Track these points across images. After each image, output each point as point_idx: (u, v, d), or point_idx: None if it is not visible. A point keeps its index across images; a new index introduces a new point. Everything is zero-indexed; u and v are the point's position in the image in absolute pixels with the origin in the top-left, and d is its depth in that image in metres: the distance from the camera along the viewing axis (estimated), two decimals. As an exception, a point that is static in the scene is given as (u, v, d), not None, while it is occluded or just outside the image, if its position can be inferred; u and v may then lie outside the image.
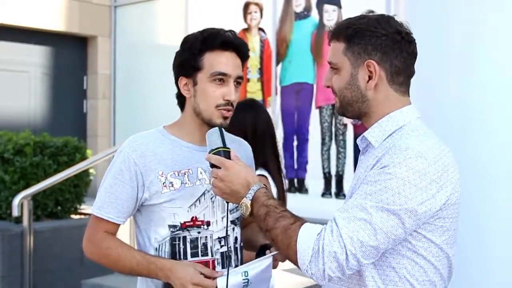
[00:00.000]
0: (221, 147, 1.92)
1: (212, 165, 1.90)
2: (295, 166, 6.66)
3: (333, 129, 6.37)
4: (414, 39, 1.78)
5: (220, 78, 2.09)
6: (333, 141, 6.37)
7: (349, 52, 1.75)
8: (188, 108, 2.18)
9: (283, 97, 6.76)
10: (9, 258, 5.06)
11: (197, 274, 2.01)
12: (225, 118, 2.11)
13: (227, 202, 1.98)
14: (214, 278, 2.02)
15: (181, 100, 2.21)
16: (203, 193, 2.15)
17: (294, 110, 6.69)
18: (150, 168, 2.10)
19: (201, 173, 2.16)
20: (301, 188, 6.62)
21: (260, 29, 7.01)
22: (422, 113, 1.83)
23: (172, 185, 2.11)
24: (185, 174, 2.14)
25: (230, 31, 2.15)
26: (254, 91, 7.00)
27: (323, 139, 6.45)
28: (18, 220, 5.13)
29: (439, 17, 2.76)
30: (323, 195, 6.37)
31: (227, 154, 1.91)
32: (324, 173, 6.39)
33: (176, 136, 2.18)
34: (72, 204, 5.86)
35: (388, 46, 1.72)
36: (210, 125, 2.11)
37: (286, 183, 3.21)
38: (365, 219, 1.59)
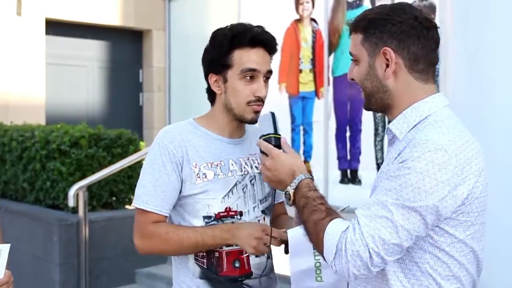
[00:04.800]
0: (272, 134, 1.93)
1: (262, 151, 1.92)
2: (348, 157, 6.60)
3: (386, 120, 6.28)
4: (435, 25, 1.73)
5: (250, 75, 2.11)
6: (385, 133, 6.28)
7: (366, 42, 1.73)
8: (218, 104, 2.21)
9: (336, 87, 6.70)
10: (66, 247, 5.22)
11: (259, 231, 2.06)
12: (256, 112, 2.14)
13: (274, 189, 2.03)
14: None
15: (211, 95, 2.24)
16: (235, 184, 2.18)
17: (346, 100, 6.62)
18: (187, 159, 2.14)
19: (232, 164, 2.19)
20: (354, 179, 6.56)
21: (312, 20, 6.96)
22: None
23: (206, 176, 2.14)
24: (217, 165, 2.17)
25: (258, 26, 2.15)
26: (306, 82, 6.97)
27: (376, 129, 6.36)
28: (75, 210, 5.28)
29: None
30: (376, 186, 6.26)
31: (277, 141, 1.92)
32: (377, 164, 6.31)
33: (206, 129, 2.21)
34: (126, 195, 5.99)
35: (404, 32, 1.69)
36: (241, 120, 2.16)
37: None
38: (386, 217, 1.56)
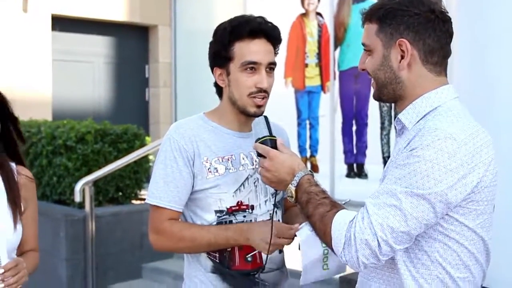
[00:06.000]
0: (268, 136, 1.94)
1: (259, 154, 1.93)
2: (354, 151, 6.60)
3: (392, 113, 6.26)
4: (450, 18, 1.73)
5: (251, 67, 2.10)
6: (392, 125, 6.27)
7: (382, 33, 1.72)
8: (225, 97, 2.21)
9: (342, 81, 6.69)
10: (72, 242, 5.23)
11: (276, 227, 2.04)
12: (259, 106, 2.12)
13: (276, 190, 2.01)
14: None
15: (219, 89, 2.23)
16: (247, 178, 2.18)
17: (352, 94, 6.60)
18: (198, 154, 2.13)
19: (243, 158, 2.19)
20: (360, 173, 6.56)
21: (318, 14, 6.94)
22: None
23: (217, 171, 2.14)
24: (228, 160, 2.16)
25: (259, 17, 2.14)
26: (312, 76, 6.96)
27: (382, 123, 6.35)
28: (81, 205, 5.29)
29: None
30: (382, 179, 6.25)
31: (273, 143, 1.93)
32: (384, 158, 6.30)
33: (216, 123, 2.21)
34: (132, 190, 6.00)
35: (421, 25, 1.68)
36: (245, 114, 2.15)
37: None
38: (395, 205, 1.56)
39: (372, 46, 1.76)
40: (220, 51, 2.12)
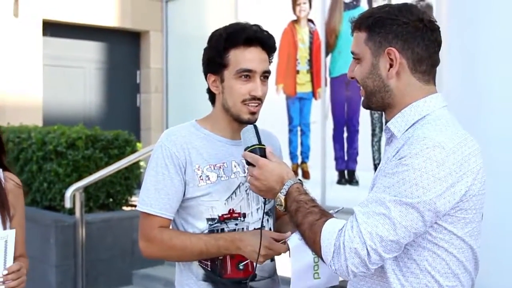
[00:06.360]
0: (257, 145, 1.94)
1: (248, 163, 1.92)
2: (345, 158, 6.60)
3: (383, 120, 6.28)
4: (438, 27, 1.74)
5: (246, 74, 2.09)
6: (383, 132, 6.28)
7: (371, 41, 1.73)
8: (218, 104, 2.20)
9: (333, 88, 6.69)
10: (63, 248, 5.21)
11: (267, 238, 2.03)
12: (252, 113, 2.12)
13: (265, 198, 2.00)
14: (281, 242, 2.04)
15: (212, 96, 2.23)
16: (238, 186, 2.17)
17: (344, 101, 6.61)
18: (190, 161, 2.13)
19: (235, 166, 2.18)
20: (351, 179, 6.56)
21: (309, 20, 6.96)
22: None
23: (209, 178, 2.13)
24: (220, 167, 2.16)
25: (255, 25, 2.14)
26: (303, 82, 6.96)
27: (373, 130, 6.36)
28: (71, 211, 5.27)
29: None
30: (373, 186, 6.25)
31: (262, 152, 1.92)
32: (375, 164, 6.30)
33: (209, 130, 2.20)
34: (123, 196, 5.99)
35: (410, 33, 1.69)
36: (238, 121, 2.14)
37: None
38: (384, 214, 1.56)
39: (361, 55, 1.76)
40: (215, 58, 2.12)
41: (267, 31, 2.16)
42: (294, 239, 1.98)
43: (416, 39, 1.69)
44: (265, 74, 2.14)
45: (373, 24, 1.72)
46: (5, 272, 2.04)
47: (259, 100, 2.12)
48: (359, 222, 1.58)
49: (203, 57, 2.20)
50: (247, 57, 2.09)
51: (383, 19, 1.71)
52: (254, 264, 2.10)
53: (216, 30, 2.16)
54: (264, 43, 2.13)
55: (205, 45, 2.19)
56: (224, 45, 2.10)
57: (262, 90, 2.11)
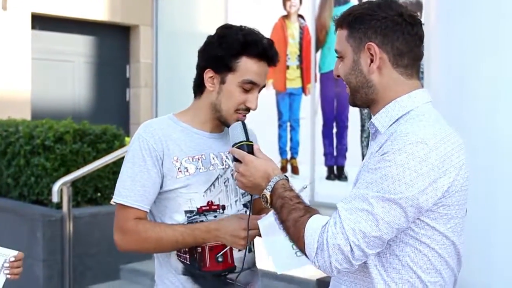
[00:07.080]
0: (244, 141, 1.95)
1: (235, 159, 1.93)
2: (335, 153, 6.61)
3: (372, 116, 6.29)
4: (419, 21, 1.75)
5: (250, 87, 2.11)
6: (368, 127, 6.28)
7: (351, 38, 1.74)
8: (205, 99, 2.19)
9: (323, 84, 6.69)
10: (50, 243, 5.19)
11: (243, 221, 2.05)
12: (238, 120, 2.12)
13: (251, 195, 2.02)
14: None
15: (200, 88, 2.21)
16: (217, 178, 2.18)
17: (333, 97, 6.62)
18: (167, 153, 2.13)
19: (213, 158, 2.19)
20: (340, 175, 6.56)
21: (300, 16, 6.95)
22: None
23: (187, 170, 2.14)
24: (198, 159, 2.16)
25: (268, 39, 2.14)
26: (293, 78, 6.96)
27: (362, 126, 6.36)
28: (59, 206, 5.25)
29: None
30: (362, 182, 6.26)
31: (250, 148, 1.94)
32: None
33: (187, 123, 2.21)
34: (111, 190, 5.94)
35: (389, 28, 1.70)
36: (222, 123, 2.17)
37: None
38: (367, 210, 1.57)
39: (343, 52, 1.78)
40: (224, 58, 2.10)
41: (275, 48, 2.17)
42: (267, 218, 1.98)
43: (395, 33, 1.70)
44: (261, 88, 2.17)
45: (353, 21, 1.74)
46: (13, 259, 2.07)
47: (249, 111, 2.15)
48: (342, 218, 1.58)
49: (204, 49, 2.18)
50: (256, 70, 2.11)
51: (363, 15, 1.72)
52: (235, 255, 2.12)
53: (231, 29, 2.15)
54: (270, 60, 2.15)
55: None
56: (239, 50, 2.09)
57: (256, 103, 2.14)
